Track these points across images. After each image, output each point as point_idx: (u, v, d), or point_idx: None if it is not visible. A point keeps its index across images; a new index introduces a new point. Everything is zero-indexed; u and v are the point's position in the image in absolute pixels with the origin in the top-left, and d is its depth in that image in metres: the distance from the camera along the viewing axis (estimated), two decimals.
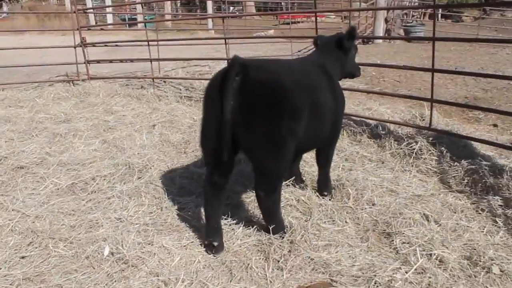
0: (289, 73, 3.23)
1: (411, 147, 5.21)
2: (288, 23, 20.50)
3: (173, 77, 9.30)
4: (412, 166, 4.95)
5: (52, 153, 5.50)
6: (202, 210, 3.70)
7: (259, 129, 3.00)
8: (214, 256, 3.39)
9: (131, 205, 4.17)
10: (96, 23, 25.40)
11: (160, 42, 8.53)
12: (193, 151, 5.56)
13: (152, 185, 4.54)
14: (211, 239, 3.41)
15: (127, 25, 22.81)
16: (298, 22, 25.54)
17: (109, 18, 23.88)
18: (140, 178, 4.73)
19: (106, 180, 4.69)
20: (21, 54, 11.68)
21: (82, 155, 5.43)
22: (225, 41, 7.42)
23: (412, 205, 4.04)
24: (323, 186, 4.22)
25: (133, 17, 22.76)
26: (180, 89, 8.68)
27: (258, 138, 3.03)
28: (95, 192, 4.50)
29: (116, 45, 9.83)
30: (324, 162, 4.16)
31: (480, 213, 4.01)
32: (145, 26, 11.75)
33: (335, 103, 3.66)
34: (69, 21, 9.93)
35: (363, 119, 6.11)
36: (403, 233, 3.58)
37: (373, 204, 4.06)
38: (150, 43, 8.45)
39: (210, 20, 20.24)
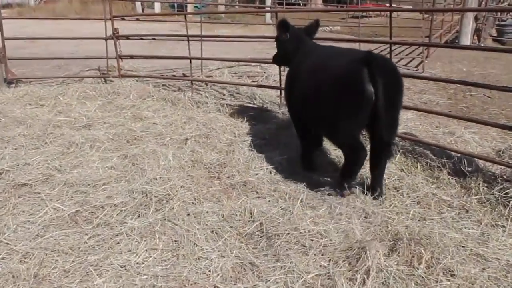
0: None
1: (506, 193, 4.52)
2: (357, 17, 19.78)
3: (215, 80, 8.96)
4: (507, 219, 4.25)
5: (62, 168, 5.29)
6: (230, 261, 3.59)
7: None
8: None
9: (141, 248, 3.79)
10: (143, 10, 25.71)
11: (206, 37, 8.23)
12: (228, 177, 5.13)
13: (171, 223, 4.15)
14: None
15: (176, 11, 22.82)
16: (370, 16, 24.79)
17: (157, 6, 24.03)
18: (157, 211, 4.36)
19: (117, 211, 4.35)
20: (57, 41, 11.73)
21: (96, 173, 5.16)
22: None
23: (506, 280, 3.37)
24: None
25: (184, 4, 22.89)
26: (224, 94, 8.37)
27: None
28: (102, 225, 4.15)
29: (153, 39, 9.57)
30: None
31: None
32: (200, 17, 11.46)
33: None
34: (114, 7, 9.79)
35: (443, 149, 5.47)
36: None
37: (452, 275, 3.43)
38: (194, 38, 8.13)
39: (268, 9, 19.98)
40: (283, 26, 5.45)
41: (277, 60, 5.91)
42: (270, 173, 5.19)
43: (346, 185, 4.63)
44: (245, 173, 5.13)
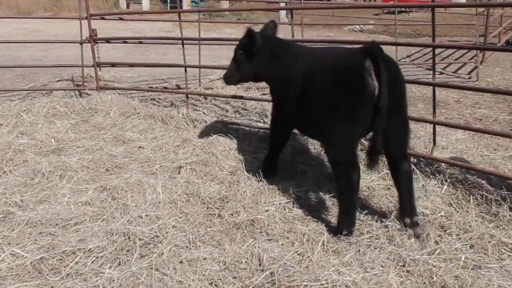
0: None
1: None
2: (393, 12, 19.91)
3: (215, 93, 9.03)
4: None
5: (23, 204, 5.34)
6: None
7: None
8: None
9: None
10: (128, 6, 26.02)
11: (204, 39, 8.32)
12: (232, 214, 5.15)
13: (159, 272, 4.17)
14: None
15: (169, 8, 23.00)
16: (410, 11, 24.91)
17: (145, 1, 24.34)
18: (142, 257, 4.39)
19: (92, 258, 4.37)
20: (21, 44, 11.93)
21: (66, 210, 5.19)
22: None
23: None
24: None
25: None
26: (226, 111, 8.46)
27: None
28: (72, 276, 4.17)
29: (140, 42, 9.68)
30: None
31: None
32: (198, 15, 11.62)
33: None
34: (92, 2, 9.93)
35: (503, 178, 5.47)
36: None
37: None
38: (190, 41, 8.23)
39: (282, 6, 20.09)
40: (252, 36, 5.79)
41: (242, 76, 6.18)
42: (284, 209, 5.20)
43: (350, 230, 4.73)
44: (253, 210, 5.14)
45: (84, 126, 7.73)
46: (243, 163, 6.27)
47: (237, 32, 18.46)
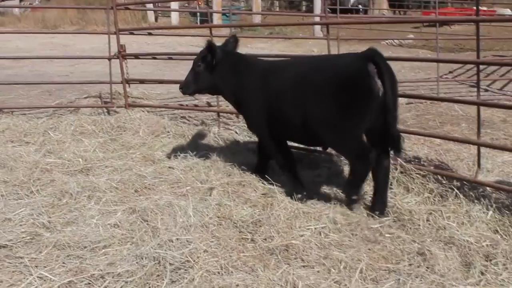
0: None
1: None
2: (433, 26, 19.77)
3: None
4: None
5: (51, 225, 5.35)
6: None
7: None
8: None
9: None
10: (156, 19, 26.24)
11: None
12: (265, 239, 5.11)
13: None
14: None
15: (199, 22, 23.09)
16: (452, 24, 24.72)
17: (174, 15, 24.55)
18: (173, 283, 4.39)
19: (121, 282, 4.38)
20: (48, 60, 12.07)
21: (94, 232, 5.20)
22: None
23: None
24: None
25: (208, 12, 23.29)
26: None
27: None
28: None
29: (170, 58, 9.76)
30: None
31: None
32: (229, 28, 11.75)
33: None
34: (120, 15, 10.03)
35: None
36: None
37: None
38: None
39: (317, 20, 20.08)
40: (212, 49, 6.42)
41: (199, 87, 6.70)
42: (320, 234, 5.14)
43: (355, 197, 5.78)
44: (287, 234, 5.09)
45: (112, 145, 7.79)
46: (277, 185, 6.19)
47: (270, 46, 18.52)
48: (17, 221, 5.37)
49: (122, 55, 9.01)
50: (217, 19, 21.87)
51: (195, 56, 6.77)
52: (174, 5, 21.30)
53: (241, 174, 6.60)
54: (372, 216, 5.54)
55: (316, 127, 5.69)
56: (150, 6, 16.98)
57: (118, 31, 8.87)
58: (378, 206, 5.70)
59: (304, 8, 29.67)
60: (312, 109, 5.66)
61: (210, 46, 6.43)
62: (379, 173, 5.73)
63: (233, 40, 6.82)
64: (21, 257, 4.74)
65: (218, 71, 6.48)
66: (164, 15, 27.97)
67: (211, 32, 8.15)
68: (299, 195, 5.94)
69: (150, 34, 10.20)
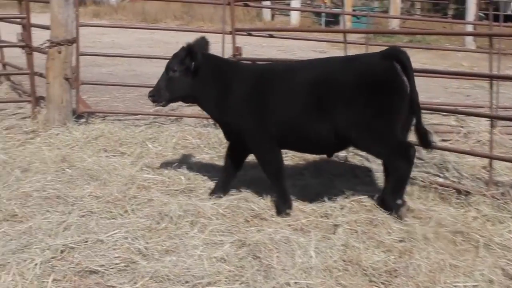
0: None
1: None
2: None
3: None
4: None
5: (148, 252, 5.35)
6: None
7: None
8: None
9: None
10: (272, 17, 26.27)
11: None
12: None
13: None
14: None
15: (323, 23, 22.81)
16: None
17: (294, 15, 24.50)
18: None
19: None
20: (147, 59, 12.19)
21: (197, 265, 5.13)
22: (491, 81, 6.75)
23: None
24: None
25: (336, 14, 22.98)
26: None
27: None
28: None
29: None
30: None
31: None
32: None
33: None
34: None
35: None
36: None
37: None
38: None
39: (470, 28, 19.94)
40: (192, 51, 6.36)
41: (174, 95, 6.58)
42: None
43: (400, 201, 6.13)
44: None
45: (220, 163, 7.69)
46: (417, 228, 5.92)
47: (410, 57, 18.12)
48: (110, 244, 5.41)
49: (237, 59, 8.80)
50: (346, 21, 21.44)
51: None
52: (294, 3, 21.24)
53: (371, 211, 6.43)
54: None
55: (347, 131, 6.04)
56: (268, 3, 16.88)
57: (235, 31, 8.68)
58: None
59: (451, 12, 28.76)
60: (341, 112, 6.01)
61: (189, 49, 6.35)
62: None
63: (204, 42, 6.72)
64: (114, 286, 4.84)
65: (198, 77, 6.40)
66: (281, 13, 27.95)
67: (345, 38, 7.87)
68: (287, 210, 6.30)
69: (271, 36, 10.04)
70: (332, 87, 6.07)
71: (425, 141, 6.23)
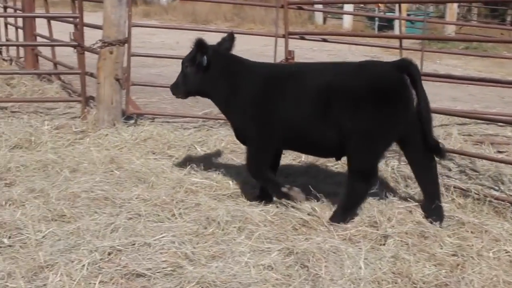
0: None
1: None
2: None
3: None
4: None
5: (195, 257, 5.31)
6: None
7: None
8: None
9: None
10: (324, 21, 26.15)
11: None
12: None
13: None
14: None
15: (376, 28, 22.68)
16: None
17: (347, 19, 24.36)
18: None
19: None
20: None
21: (245, 273, 5.07)
22: None
23: None
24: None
25: (390, 18, 22.76)
26: (449, 170, 8.13)
27: None
28: None
29: None
30: None
31: None
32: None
33: None
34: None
35: None
36: None
37: None
38: None
39: None
40: (202, 47, 6.44)
41: (188, 89, 6.79)
42: None
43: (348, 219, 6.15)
44: None
45: None
46: (472, 242, 5.81)
47: (464, 64, 17.74)
48: (157, 247, 5.38)
49: (288, 63, 8.74)
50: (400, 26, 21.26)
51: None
52: (347, 6, 21.05)
53: (422, 223, 6.29)
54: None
55: (349, 135, 6.04)
56: (321, 6, 16.76)
57: (288, 35, 8.61)
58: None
59: (509, 18, 28.28)
60: (348, 118, 5.99)
61: (200, 45, 6.45)
62: (427, 177, 6.37)
63: (229, 39, 6.87)
64: None
65: (208, 74, 6.54)
66: (333, 16, 27.82)
67: (400, 44, 7.74)
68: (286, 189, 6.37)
69: (325, 40, 9.96)
70: (343, 93, 6.07)
71: (437, 152, 6.24)
